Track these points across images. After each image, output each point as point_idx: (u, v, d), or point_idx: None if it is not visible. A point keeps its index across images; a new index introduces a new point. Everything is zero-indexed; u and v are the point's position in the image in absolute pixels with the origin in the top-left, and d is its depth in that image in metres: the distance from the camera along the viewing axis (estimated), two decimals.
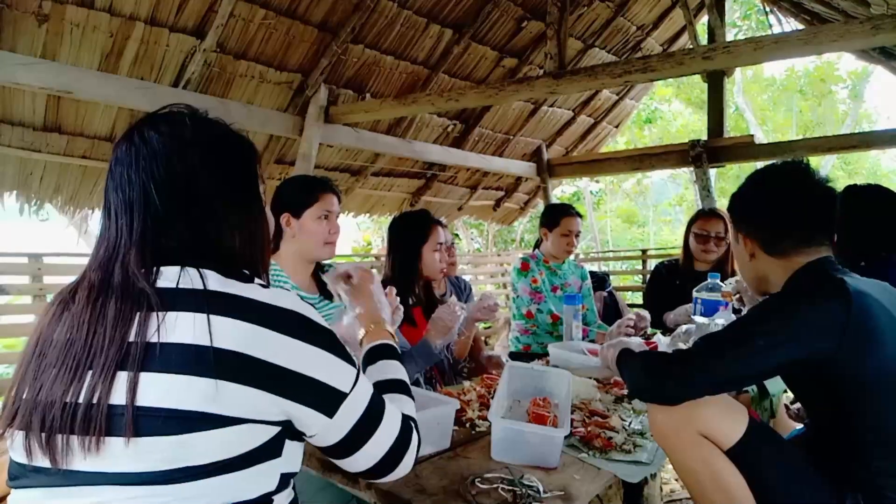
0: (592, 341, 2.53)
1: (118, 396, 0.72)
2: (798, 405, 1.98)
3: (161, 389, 0.72)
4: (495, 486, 1.16)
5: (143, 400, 0.72)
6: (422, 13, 4.38)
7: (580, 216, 3.08)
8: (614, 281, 5.51)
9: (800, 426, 1.72)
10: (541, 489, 1.14)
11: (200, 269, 0.80)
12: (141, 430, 0.72)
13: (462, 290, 2.90)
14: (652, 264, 7.97)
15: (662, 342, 2.26)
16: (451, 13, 4.55)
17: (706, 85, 5.82)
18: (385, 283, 2.20)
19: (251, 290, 0.80)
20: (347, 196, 5.38)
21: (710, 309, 2.40)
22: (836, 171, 15.93)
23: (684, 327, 2.07)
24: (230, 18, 3.45)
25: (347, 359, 0.86)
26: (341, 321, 1.49)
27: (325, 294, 2.00)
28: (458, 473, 1.22)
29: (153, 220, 0.82)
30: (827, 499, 1.16)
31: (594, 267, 8.99)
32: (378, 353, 1.08)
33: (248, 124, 3.82)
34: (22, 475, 0.77)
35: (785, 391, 1.85)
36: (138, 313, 0.75)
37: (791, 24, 5.39)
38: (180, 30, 3.38)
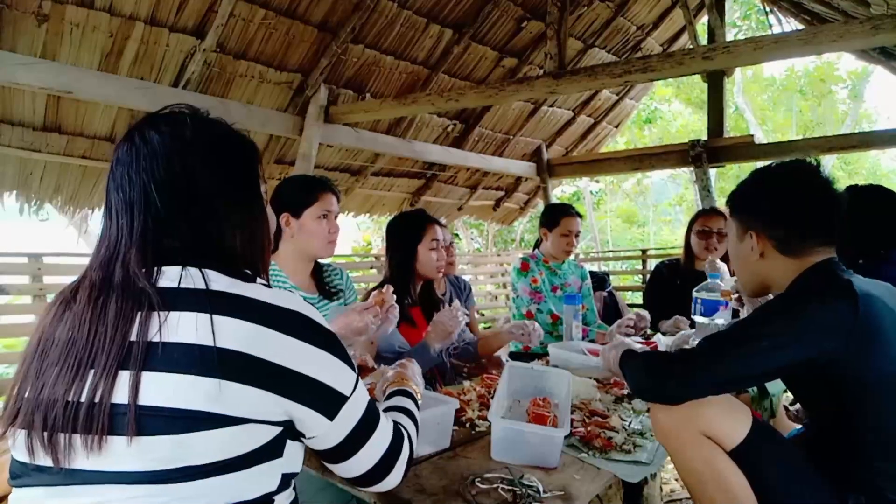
0: (592, 341, 2.54)
1: (120, 395, 0.72)
2: (797, 406, 1.98)
3: (164, 389, 0.73)
4: (495, 486, 1.16)
5: (146, 399, 0.72)
6: (422, 13, 4.38)
7: (580, 216, 3.08)
8: (614, 281, 5.51)
9: (799, 426, 1.72)
10: (541, 489, 1.14)
11: (202, 269, 0.80)
12: (143, 429, 0.72)
13: (462, 290, 2.90)
14: (652, 264, 7.98)
15: (662, 342, 2.26)
16: (451, 13, 4.55)
17: (706, 85, 5.83)
18: (385, 284, 2.21)
19: (254, 290, 0.80)
20: (347, 196, 5.38)
21: (709, 309, 2.40)
22: (836, 171, 15.93)
23: (684, 333, 2.08)
24: (230, 18, 3.45)
25: (348, 362, 0.87)
26: (337, 318, 1.50)
27: (324, 294, 2.00)
28: (458, 473, 1.22)
29: (154, 219, 0.82)
30: (828, 499, 1.15)
31: (594, 267, 8.99)
32: (397, 392, 1.16)
33: (248, 124, 3.82)
34: (24, 474, 0.77)
35: (785, 391, 1.85)
36: (139, 313, 0.75)
37: (791, 24, 5.39)
38: (180, 30, 3.38)
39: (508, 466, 1.25)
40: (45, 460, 0.75)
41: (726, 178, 14.80)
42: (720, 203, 5.84)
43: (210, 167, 0.85)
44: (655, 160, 6.30)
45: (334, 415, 0.83)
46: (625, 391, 1.82)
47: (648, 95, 11.67)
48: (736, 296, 2.23)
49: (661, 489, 2.44)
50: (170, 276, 0.79)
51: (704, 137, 5.71)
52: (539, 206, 7.51)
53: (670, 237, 16.54)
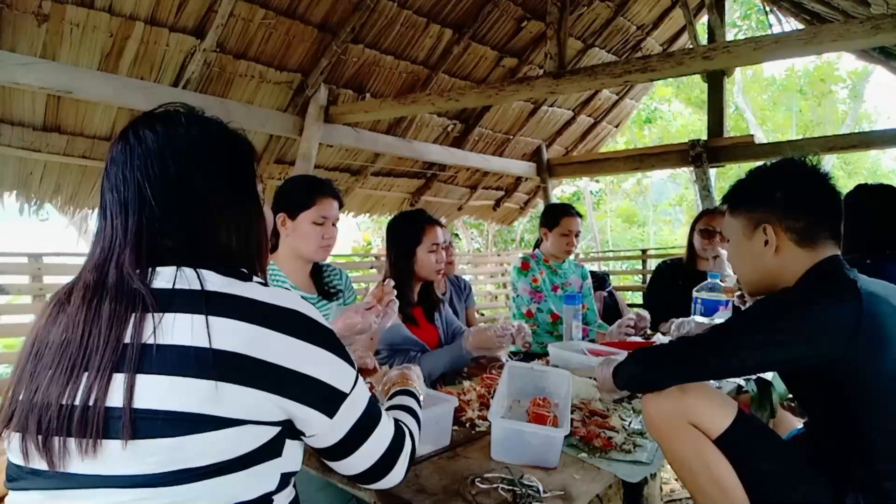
0: (592, 341, 2.53)
1: (115, 398, 0.72)
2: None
3: (159, 391, 0.72)
4: (495, 486, 1.16)
5: (141, 402, 0.71)
6: (422, 13, 4.38)
7: (580, 216, 3.08)
8: (614, 281, 5.52)
9: (799, 426, 1.72)
10: (541, 489, 1.14)
11: (197, 270, 0.79)
12: (139, 432, 0.71)
13: (462, 290, 2.90)
14: (652, 264, 7.97)
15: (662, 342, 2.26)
16: (451, 13, 4.55)
17: (706, 85, 5.83)
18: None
19: (250, 290, 0.80)
20: (347, 196, 5.38)
21: (709, 309, 2.40)
22: (836, 171, 15.92)
23: (684, 320, 2.09)
24: (230, 18, 3.45)
25: (347, 359, 0.86)
26: (338, 318, 1.50)
27: (323, 294, 2.00)
28: (458, 473, 1.22)
29: (148, 219, 0.81)
30: (815, 489, 1.17)
31: (594, 267, 8.99)
32: (399, 392, 1.16)
33: (248, 124, 3.82)
34: (20, 477, 0.77)
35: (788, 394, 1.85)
36: (133, 314, 0.75)
37: (791, 24, 5.39)
38: (180, 30, 3.38)
39: (508, 466, 1.25)
40: (40, 464, 0.74)
41: (726, 178, 14.79)
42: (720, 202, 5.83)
43: (205, 166, 0.84)
44: (655, 160, 6.30)
45: (334, 413, 0.83)
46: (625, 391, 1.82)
47: (648, 95, 11.68)
48: (739, 293, 2.23)
49: (661, 489, 2.44)
50: (164, 277, 0.78)
51: (704, 137, 5.71)
52: (539, 206, 7.51)
53: (670, 237, 16.55)
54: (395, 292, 1.58)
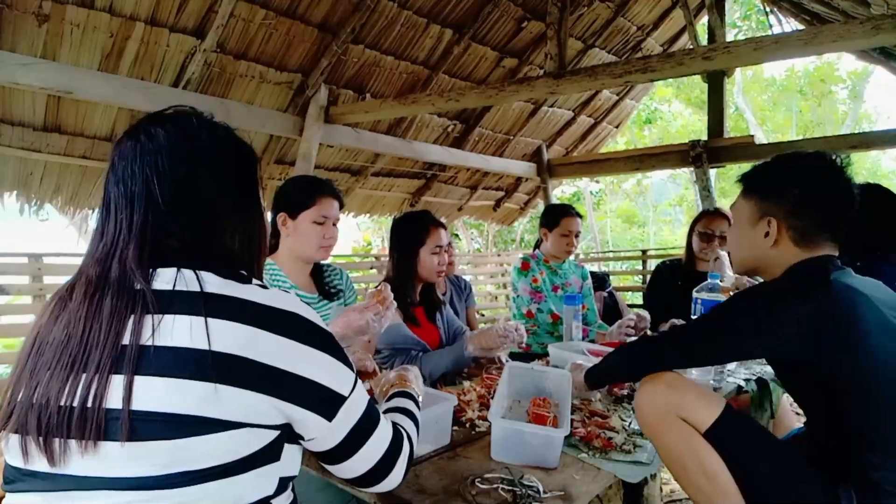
0: (592, 341, 2.53)
1: (114, 400, 0.72)
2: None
3: (158, 393, 0.72)
4: (495, 486, 1.16)
5: (140, 404, 0.71)
6: (422, 13, 4.38)
7: (580, 216, 3.08)
8: (614, 281, 5.52)
9: (800, 426, 1.73)
10: (541, 489, 1.14)
11: (197, 272, 0.79)
12: (137, 434, 0.71)
13: (462, 290, 2.90)
14: (652, 264, 7.97)
15: None
16: (451, 13, 4.55)
17: (706, 85, 5.83)
18: (388, 283, 2.21)
19: (250, 292, 0.80)
20: (347, 196, 5.38)
21: (710, 309, 2.39)
22: None
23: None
24: (230, 18, 3.45)
25: (346, 362, 0.86)
26: (338, 318, 1.50)
27: (324, 294, 2.00)
28: (458, 473, 1.22)
29: (154, 215, 0.81)
30: (806, 481, 1.18)
31: (594, 267, 8.99)
32: (397, 394, 1.16)
33: (248, 124, 3.82)
34: (17, 479, 0.76)
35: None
36: (133, 314, 0.75)
37: (791, 24, 5.39)
38: (180, 30, 3.39)
39: (508, 466, 1.25)
40: (39, 464, 0.74)
41: (726, 178, 14.81)
42: (721, 203, 5.84)
43: (214, 168, 0.85)
44: (655, 160, 6.30)
45: (333, 416, 0.83)
46: (625, 391, 1.82)
47: (648, 95, 11.67)
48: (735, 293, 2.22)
49: (661, 489, 2.44)
50: (164, 279, 0.78)
51: (704, 137, 5.71)
52: (539, 206, 7.51)
53: (670, 237, 16.55)
54: (393, 295, 1.59)
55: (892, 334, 1.17)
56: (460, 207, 6.76)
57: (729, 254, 1.58)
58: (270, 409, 0.77)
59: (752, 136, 5.80)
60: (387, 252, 2.33)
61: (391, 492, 0.99)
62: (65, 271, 3.71)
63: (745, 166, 1.60)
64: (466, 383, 1.86)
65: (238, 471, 0.75)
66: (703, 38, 5.78)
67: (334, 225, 1.92)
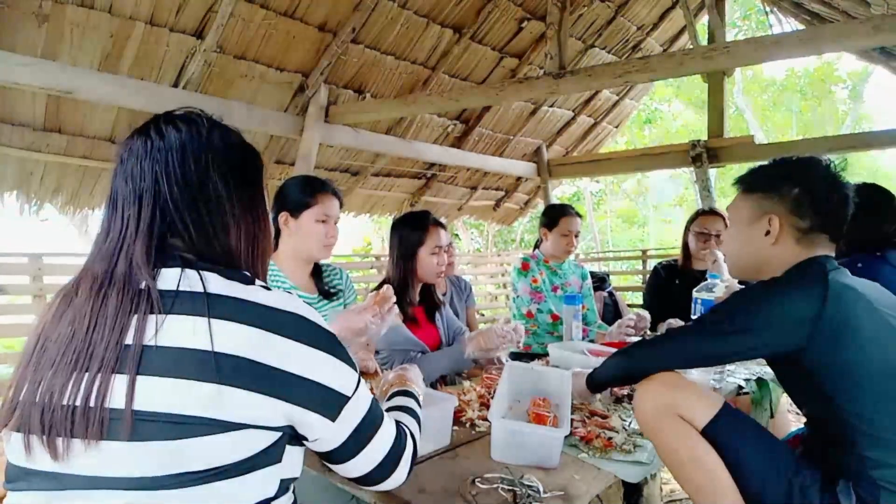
0: (592, 341, 2.53)
1: (116, 400, 0.72)
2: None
3: (161, 394, 0.72)
4: (495, 486, 1.16)
5: (142, 404, 0.71)
6: (422, 13, 4.38)
7: (580, 216, 3.08)
8: (614, 281, 5.51)
9: (800, 426, 1.73)
10: (541, 489, 1.14)
11: (201, 272, 0.79)
12: (140, 434, 0.71)
13: (462, 290, 2.90)
14: (652, 264, 7.96)
15: None
16: (451, 13, 4.54)
17: (706, 85, 5.82)
18: (387, 284, 2.21)
19: (253, 293, 0.80)
20: (347, 196, 5.38)
21: (709, 309, 2.39)
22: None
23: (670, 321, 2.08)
24: (230, 19, 3.44)
25: (349, 362, 0.86)
26: (337, 319, 1.50)
27: (323, 294, 2.00)
28: (458, 473, 1.22)
29: (161, 213, 0.82)
30: (803, 476, 1.19)
31: (594, 267, 8.99)
32: (398, 393, 1.16)
33: (248, 124, 3.82)
34: (19, 478, 0.76)
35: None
36: (136, 313, 0.75)
37: (791, 24, 5.39)
38: (180, 30, 3.38)
39: (508, 466, 1.25)
40: (42, 463, 0.74)
41: (726, 178, 14.81)
42: (720, 203, 5.83)
43: (223, 168, 0.86)
44: (655, 160, 6.30)
45: (336, 416, 0.83)
46: (625, 391, 1.82)
47: (648, 95, 11.67)
48: None
49: (661, 489, 2.44)
50: (168, 279, 0.78)
51: (704, 137, 5.71)
52: (539, 206, 7.50)
53: (670, 237, 16.54)
54: (395, 298, 1.59)
55: (887, 331, 1.18)
56: (460, 207, 6.76)
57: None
58: (273, 411, 0.77)
59: (752, 135, 5.79)
60: (387, 252, 2.33)
61: (391, 492, 0.99)
62: (65, 271, 3.71)
63: (745, 166, 1.60)
64: (466, 383, 1.86)
65: (239, 472, 0.75)
66: (703, 38, 5.78)
67: (335, 223, 1.93)
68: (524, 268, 3.03)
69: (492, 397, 1.55)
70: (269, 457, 0.79)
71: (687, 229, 3.08)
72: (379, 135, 4.86)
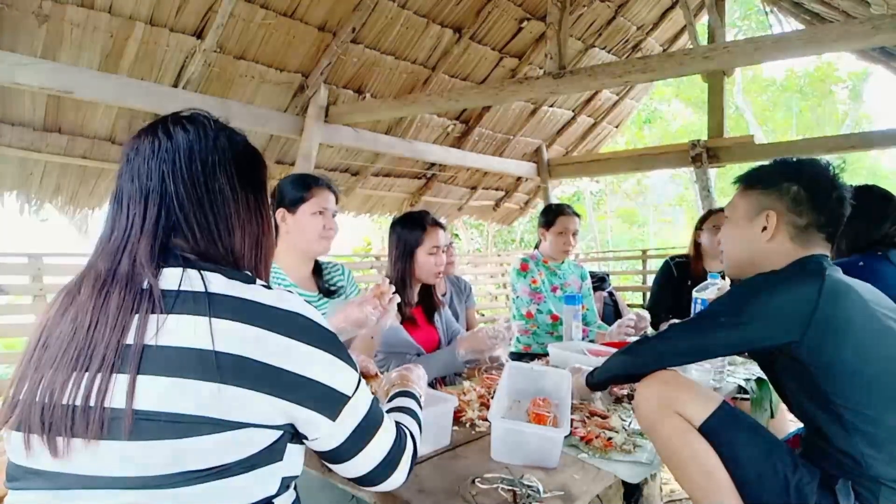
0: (592, 341, 2.53)
1: (117, 399, 0.72)
2: None
3: (161, 393, 0.72)
4: (495, 486, 1.16)
5: (143, 403, 0.71)
6: (422, 13, 4.38)
7: (577, 215, 3.07)
8: (614, 281, 5.50)
9: (800, 426, 1.73)
10: (541, 489, 1.14)
11: (202, 272, 0.79)
12: (141, 434, 0.71)
13: (462, 291, 2.90)
14: (652, 264, 7.96)
15: None
16: (451, 13, 4.55)
17: (706, 85, 5.82)
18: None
19: (254, 293, 0.80)
20: (347, 196, 5.38)
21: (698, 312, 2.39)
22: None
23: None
24: (230, 19, 3.45)
25: (350, 362, 0.86)
26: (343, 311, 1.50)
27: (324, 292, 2.00)
28: (458, 473, 1.22)
29: (167, 210, 0.82)
30: (801, 474, 1.19)
31: (594, 267, 8.98)
32: (400, 394, 1.16)
33: (248, 124, 3.82)
34: (20, 477, 0.77)
35: None
36: (136, 315, 0.75)
37: (791, 24, 5.39)
38: (180, 30, 3.38)
39: (508, 466, 1.25)
40: (42, 462, 0.74)
41: (726, 178, 14.80)
42: (720, 203, 5.83)
43: (229, 170, 0.87)
44: (655, 160, 6.30)
45: (336, 415, 0.83)
46: (625, 391, 1.82)
47: (649, 95, 11.67)
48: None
49: (661, 489, 2.44)
50: (170, 279, 0.79)
51: (704, 137, 5.71)
52: (539, 206, 7.50)
53: (670, 237, 16.54)
54: (394, 288, 1.58)
55: (880, 329, 1.20)
56: (460, 207, 6.76)
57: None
58: (273, 410, 0.77)
59: (752, 135, 5.80)
60: (387, 252, 2.33)
61: (391, 492, 0.99)
62: (65, 271, 3.70)
63: (745, 166, 1.60)
64: (466, 383, 1.86)
65: (240, 471, 0.75)
66: (703, 38, 5.78)
67: (333, 217, 1.94)
68: (523, 268, 3.03)
69: (492, 397, 1.55)
70: (270, 455, 0.79)
71: (698, 229, 3.05)
72: (379, 135, 4.86)
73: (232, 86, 3.83)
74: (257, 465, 0.77)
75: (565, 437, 1.28)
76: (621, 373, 1.50)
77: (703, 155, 5.52)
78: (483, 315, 6.67)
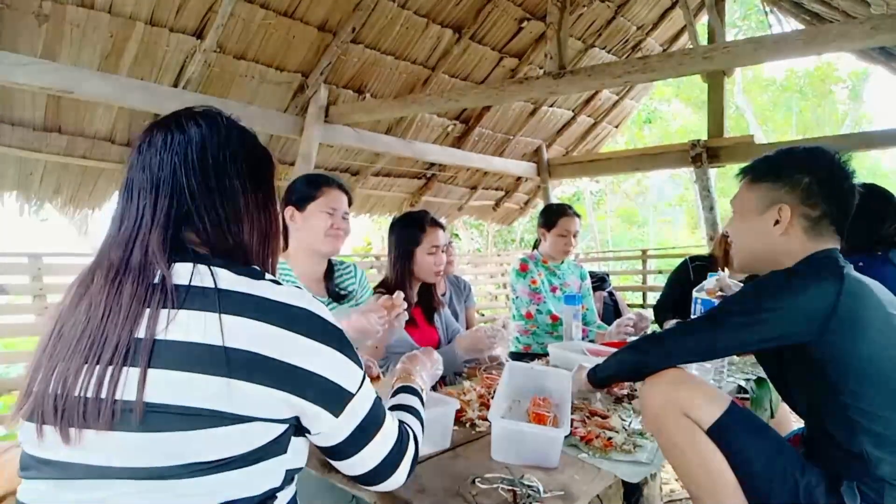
0: (592, 341, 2.53)
1: (128, 391, 0.73)
2: None
3: (171, 386, 0.73)
4: (495, 486, 1.16)
5: (153, 396, 0.73)
6: (422, 13, 4.38)
7: (578, 216, 3.07)
8: (614, 281, 5.49)
9: (800, 426, 1.73)
10: (541, 489, 1.14)
11: (212, 267, 0.80)
12: (150, 425, 0.73)
13: (462, 290, 2.90)
14: (652, 264, 7.97)
15: None
16: (451, 13, 4.55)
17: (706, 85, 5.82)
18: (386, 284, 2.21)
19: (263, 288, 0.81)
20: None
21: (709, 309, 2.39)
22: None
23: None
24: (230, 19, 3.45)
25: (355, 359, 0.87)
26: (347, 317, 1.49)
27: (334, 296, 1.99)
28: (458, 473, 1.22)
29: (178, 201, 0.83)
30: (809, 478, 1.18)
31: (594, 267, 8.98)
32: (402, 389, 1.16)
33: (248, 124, 3.80)
34: (32, 466, 0.78)
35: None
36: (148, 308, 0.76)
37: (791, 24, 5.39)
38: (180, 30, 3.39)
39: (508, 466, 1.25)
40: (54, 452, 0.75)
41: (726, 178, 14.80)
42: (720, 203, 5.82)
43: (240, 166, 0.88)
44: (655, 160, 6.30)
45: (340, 411, 0.84)
46: (625, 391, 1.82)
47: (649, 95, 11.67)
48: (720, 293, 2.22)
49: (661, 489, 2.44)
50: (181, 274, 0.80)
51: (704, 137, 5.71)
52: (539, 206, 7.50)
53: (670, 237, 16.55)
54: (406, 305, 1.58)
55: (894, 328, 1.18)
56: (460, 207, 6.76)
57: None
58: (281, 404, 0.78)
59: (752, 135, 5.80)
60: (387, 252, 2.33)
61: (392, 492, 0.99)
62: (65, 271, 3.71)
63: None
64: (466, 383, 1.86)
65: (247, 463, 0.77)
66: (703, 38, 5.78)
67: (345, 218, 1.93)
68: (522, 269, 3.03)
69: (492, 397, 1.55)
70: (275, 448, 0.80)
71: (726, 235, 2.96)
72: (379, 135, 4.86)
73: (232, 86, 3.83)
74: (263, 458, 0.79)
75: (565, 436, 1.28)
76: (626, 370, 1.46)
77: (703, 155, 5.53)
78: (483, 315, 6.67)
